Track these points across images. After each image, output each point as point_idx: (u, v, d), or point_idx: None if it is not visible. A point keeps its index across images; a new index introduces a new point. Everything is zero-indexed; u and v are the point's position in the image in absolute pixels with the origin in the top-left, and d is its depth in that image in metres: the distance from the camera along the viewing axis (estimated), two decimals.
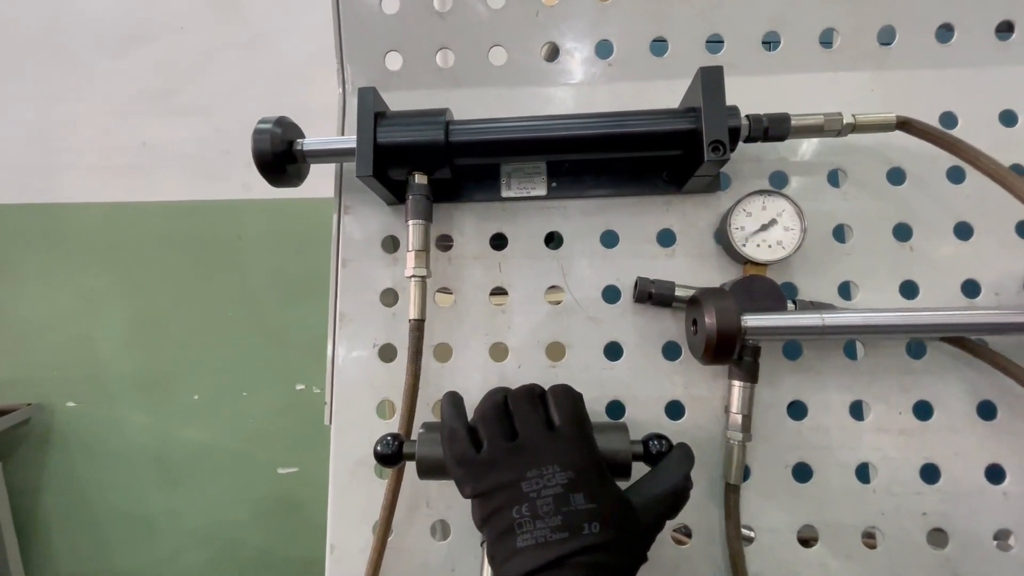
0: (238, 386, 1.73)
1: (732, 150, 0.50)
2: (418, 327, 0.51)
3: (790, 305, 0.52)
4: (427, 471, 0.43)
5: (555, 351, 0.56)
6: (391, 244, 0.59)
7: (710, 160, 0.47)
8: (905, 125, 0.50)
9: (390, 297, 0.58)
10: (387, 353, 0.57)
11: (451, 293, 0.58)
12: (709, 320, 0.46)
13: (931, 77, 0.57)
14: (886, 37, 0.57)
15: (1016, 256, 0.54)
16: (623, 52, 0.59)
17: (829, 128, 0.50)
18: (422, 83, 0.61)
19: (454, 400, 0.44)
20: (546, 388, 0.44)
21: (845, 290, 0.55)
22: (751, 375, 0.51)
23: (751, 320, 0.48)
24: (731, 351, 0.46)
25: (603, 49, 0.59)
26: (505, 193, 0.58)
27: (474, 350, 0.57)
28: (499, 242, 0.58)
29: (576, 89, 0.60)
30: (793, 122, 0.50)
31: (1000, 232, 0.54)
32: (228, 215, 1.71)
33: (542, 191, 0.57)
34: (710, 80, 0.48)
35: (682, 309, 0.55)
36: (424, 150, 0.51)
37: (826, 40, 0.58)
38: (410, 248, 0.52)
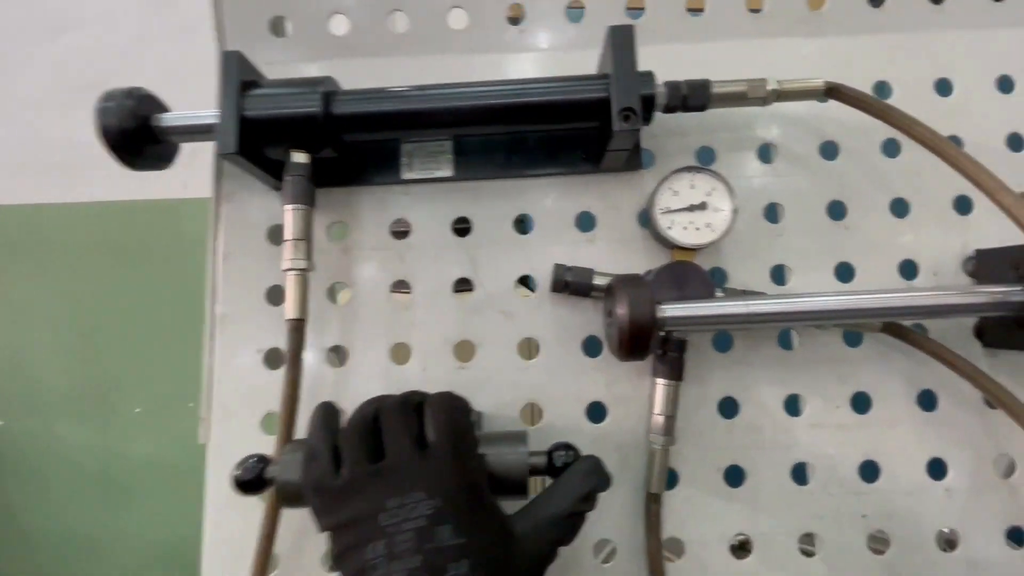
0: (183, 396, 1.62)
1: (648, 120, 0.45)
2: (297, 327, 0.44)
3: (719, 293, 0.47)
4: (289, 499, 0.36)
5: (464, 350, 0.50)
6: (278, 235, 0.52)
7: (621, 130, 0.42)
8: (834, 92, 0.45)
9: (277, 295, 0.51)
10: (274, 359, 0.50)
11: (348, 287, 0.51)
12: (621, 311, 0.41)
13: (865, 43, 0.53)
14: (817, 2, 0.53)
15: (954, 234, 0.50)
16: (536, 18, 0.53)
17: (753, 95, 0.45)
18: (311, 54, 0.54)
19: (325, 413, 0.38)
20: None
21: (779, 274, 0.51)
22: (675, 372, 0.46)
23: (669, 310, 0.42)
24: (646, 345, 0.41)
25: (514, 12, 0.53)
26: (406, 175, 0.51)
27: (373, 352, 0.50)
28: (401, 230, 0.52)
29: (492, 59, 0.54)
30: (714, 89, 0.45)
31: (937, 209, 0.51)
32: (166, 215, 1.60)
33: (448, 171, 0.51)
34: (619, 41, 0.43)
35: (602, 299, 0.49)
36: (299, 124, 0.44)
37: (754, 6, 0.53)
38: (287, 236, 0.45)
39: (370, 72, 0.53)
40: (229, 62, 0.44)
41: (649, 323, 0.40)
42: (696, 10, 0.53)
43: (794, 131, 0.52)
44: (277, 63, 0.54)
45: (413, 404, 0.36)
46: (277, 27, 0.54)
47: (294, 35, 0.54)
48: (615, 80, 0.42)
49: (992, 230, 0.50)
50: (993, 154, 0.50)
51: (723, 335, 0.50)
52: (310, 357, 0.50)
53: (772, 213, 0.51)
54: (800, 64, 0.53)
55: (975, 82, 0.52)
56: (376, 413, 0.35)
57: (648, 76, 0.44)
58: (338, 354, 0.51)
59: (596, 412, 0.49)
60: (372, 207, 0.52)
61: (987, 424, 0.48)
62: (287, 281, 0.45)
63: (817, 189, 0.51)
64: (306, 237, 0.45)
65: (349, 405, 0.50)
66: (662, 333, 0.45)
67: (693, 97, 0.45)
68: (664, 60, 0.48)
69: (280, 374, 0.49)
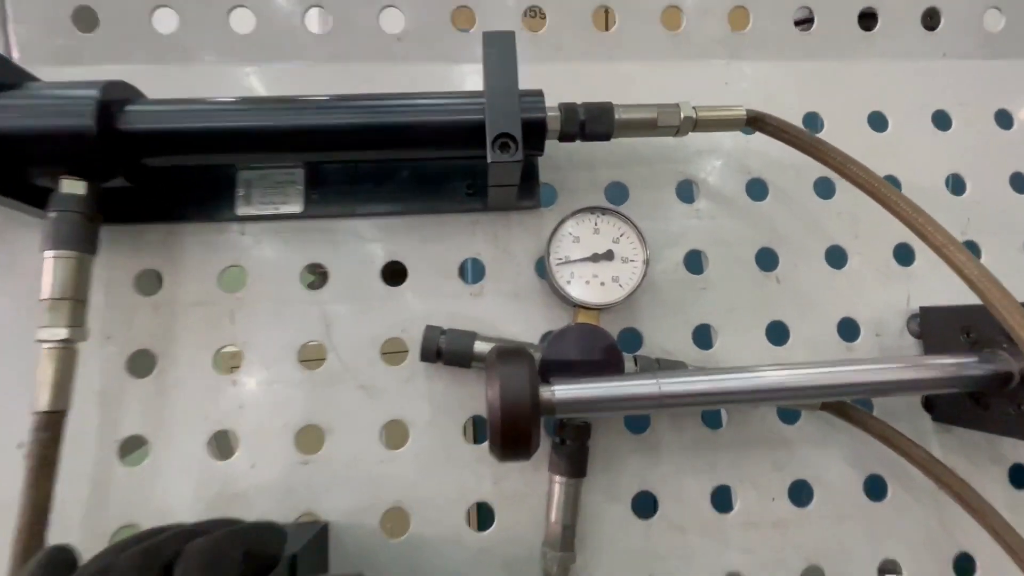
0: None
1: (538, 149, 0.36)
2: (48, 424, 0.32)
3: (629, 363, 0.38)
4: None
5: (309, 439, 0.39)
6: None
7: (496, 163, 0.32)
8: (757, 122, 0.38)
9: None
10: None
11: (156, 356, 0.39)
12: (491, 395, 0.31)
13: (791, 70, 0.47)
14: (740, 23, 0.47)
15: (896, 287, 0.44)
16: (416, 25, 0.44)
17: (664, 123, 0.37)
18: (130, 55, 0.42)
19: (48, 563, 0.25)
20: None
21: (703, 336, 0.42)
22: (575, 466, 0.36)
23: (560, 391, 0.33)
24: (527, 439, 0.31)
25: (391, 20, 0.44)
26: (243, 210, 0.40)
27: (186, 443, 0.38)
28: (234, 280, 0.40)
29: (353, 69, 0.44)
30: (619, 115, 0.37)
31: (877, 258, 0.44)
32: None
33: (297, 206, 0.40)
34: (497, 50, 0.34)
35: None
36: (62, 143, 0.32)
37: (671, 22, 0.46)
38: (43, 295, 0.32)
39: (206, 80, 0.42)
40: None
41: (527, 411, 0.30)
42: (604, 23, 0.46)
43: (719, 166, 0.44)
44: (85, 63, 0.42)
45: (159, 565, 0.24)
46: (84, 19, 0.42)
47: (104, 30, 0.42)
48: (489, 100, 0.33)
49: (936, 284, 0.44)
50: (933, 197, 0.44)
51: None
52: (91, 453, 0.37)
53: (695, 262, 0.43)
54: (725, 90, 0.46)
55: (911, 116, 0.47)
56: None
57: (535, 97, 0.35)
58: (137, 446, 0.38)
59: (481, 516, 0.39)
60: (196, 251, 0.40)
61: (944, 516, 0.40)
62: (40, 359, 0.32)
63: (744, 234, 0.43)
64: (74, 296, 0.33)
65: (146, 516, 0.37)
66: (557, 419, 0.35)
67: (593, 123, 0.36)
68: (569, 81, 0.40)
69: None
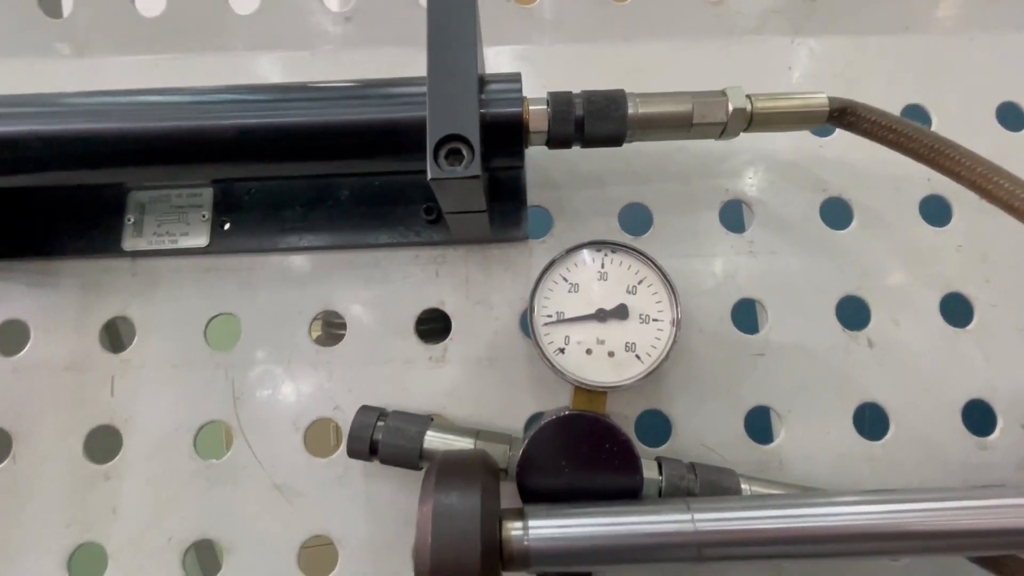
0: None
1: (513, 157, 0.25)
2: None
3: (649, 470, 0.25)
4: None
5: (204, 560, 0.28)
6: None
7: (439, 180, 0.21)
8: (845, 116, 0.26)
9: None
10: None
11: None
12: (420, 541, 0.19)
13: (883, 47, 0.34)
14: None
15: None
16: (369, 3, 0.34)
17: (705, 119, 0.25)
18: (18, 47, 0.34)
19: None
20: None
21: (760, 424, 0.29)
22: None
23: (539, 530, 0.21)
24: None
25: None
26: (131, 243, 0.30)
27: (38, 561, 0.28)
28: (120, 335, 0.31)
29: (279, 58, 0.34)
30: (635, 108, 0.25)
31: (1019, 310, 0.30)
32: None
33: (202, 239, 0.30)
34: (447, 13, 0.23)
35: None
36: None
37: None
38: None
39: (100, 75, 0.33)
40: None
41: (472, 567, 0.19)
42: None
43: (778, 180, 0.32)
44: (58, 53, 0.34)
45: None
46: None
47: (78, 13, 0.34)
48: (432, 88, 0.22)
49: None
50: None
51: None
52: None
53: (747, 317, 0.30)
54: (787, 76, 0.33)
55: None
56: None
57: (508, 82, 0.24)
58: None
59: None
60: (73, 295, 0.31)
61: None
62: None
63: (820, 277, 0.31)
64: None
65: None
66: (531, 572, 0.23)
67: (597, 120, 0.25)
68: (556, 66, 0.29)
69: None
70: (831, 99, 0.25)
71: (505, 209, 0.30)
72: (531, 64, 0.33)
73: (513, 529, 0.21)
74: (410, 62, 0.32)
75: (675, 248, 0.31)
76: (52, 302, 0.31)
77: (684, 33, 0.34)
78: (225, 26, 0.34)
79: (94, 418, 0.29)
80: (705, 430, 0.29)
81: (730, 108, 0.25)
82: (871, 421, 0.29)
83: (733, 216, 0.32)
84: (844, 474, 0.28)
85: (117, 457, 0.29)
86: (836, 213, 0.32)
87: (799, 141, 0.32)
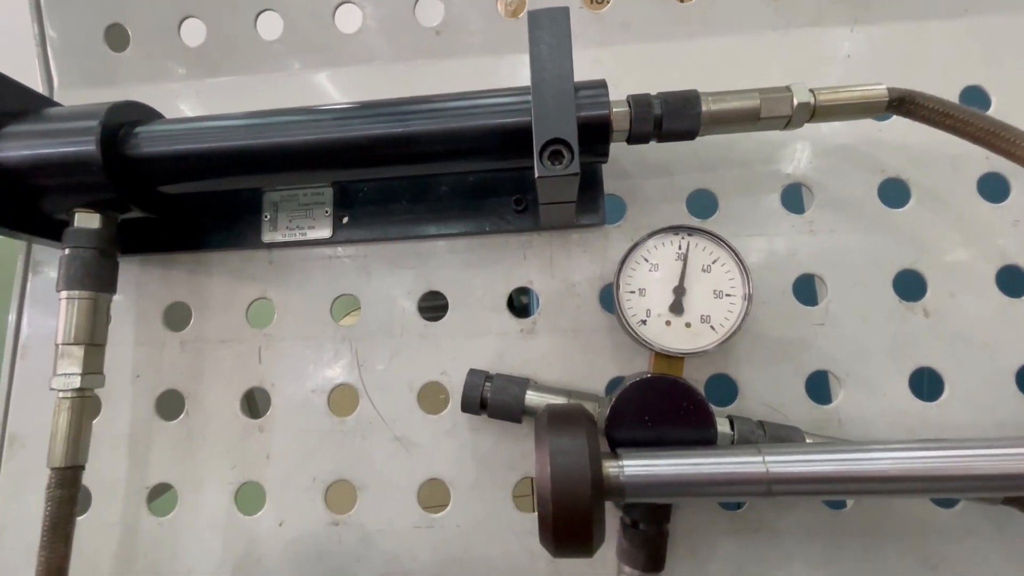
0: None
1: (600, 155, 0.29)
2: (65, 480, 0.29)
3: (722, 426, 0.29)
4: None
5: (341, 496, 0.34)
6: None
7: (545, 177, 0.25)
8: (904, 105, 0.28)
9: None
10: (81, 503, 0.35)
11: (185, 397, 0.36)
12: (540, 475, 0.24)
13: (941, 31, 0.35)
14: None
15: None
16: (457, 15, 0.38)
17: (771, 113, 0.28)
18: (160, 72, 0.40)
19: None
20: None
21: (820, 387, 0.33)
22: (649, 558, 0.28)
23: (631, 467, 0.25)
24: (585, 535, 0.24)
25: (428, 12, 0.38)
26: (269, 236, 0.36)
27: (213, 494, 0.35)
28: (262, 314, 0.37)
29: (382, 70, 0.38)
30: (707, 105, 0.28)
31: None
32: None
33: (325, 231, 0.36)
34: (547, 32, 0.27)
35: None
36: (69, 171, 0.29)
37: None
38: (58, 339, 0.30)
39: (238, 92, 0.39)
40: None
41: (586, 497, 0.24)
42: None
43: (838, 163, 0.34)
44: (118, 84, 0.40)
45: None
46: (115, 38, 0.40)
47: (135, 48, 0.40)
48: (536, 98, 0.26)
49: None
50: None
51: None
52: (120, 501, 0.35)
53: (807, 290, 0.33)
54: (846, 65, 0.36)
55: None
56: None
57: (596, 89, 0.28)
58: (163, 496, 0.35)
59: None
60: (223, 283, 0.37)
61: None
62: (54, 410, 0.30)
63: (878, 253, 0.33)
64: (89, 340, 0.30)
65: (173, 573, 0.34)
66: (623, 502, 0.28)
67: (673, 118, 0.28)
68: (639, 65, 0.32)
69: (86, 521, 0.34)
70: (890, 90, 0.28)
71: (584, 198, 0.34)
72: (602, 66, 0.36)
73: (610, 467, 0.26)
74: (493, 70, 0.37)
75: (740, 229, 0.34)
76: (206, 287, 0.37)
77: (742, 28, 0.36)
78: (333, 45, 0.39)
79: (247, 381, 0.36)
80: (768, 392, 0.32)
81: (795, 102, 0.28)
82: (924, 385, 0.32)
83: (793, 198, 0.35)
84: (900, 432, 0.31)
85: (268, 413, 0.35)
86: (894, 193, 0.34)
87: (858, 127, 0.34)
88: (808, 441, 0.29)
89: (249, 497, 0.35)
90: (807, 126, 0.30)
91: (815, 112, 0.28)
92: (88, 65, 0.40)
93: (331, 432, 0.35)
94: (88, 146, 0.29)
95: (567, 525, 0.24)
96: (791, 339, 0.33)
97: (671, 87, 0.29)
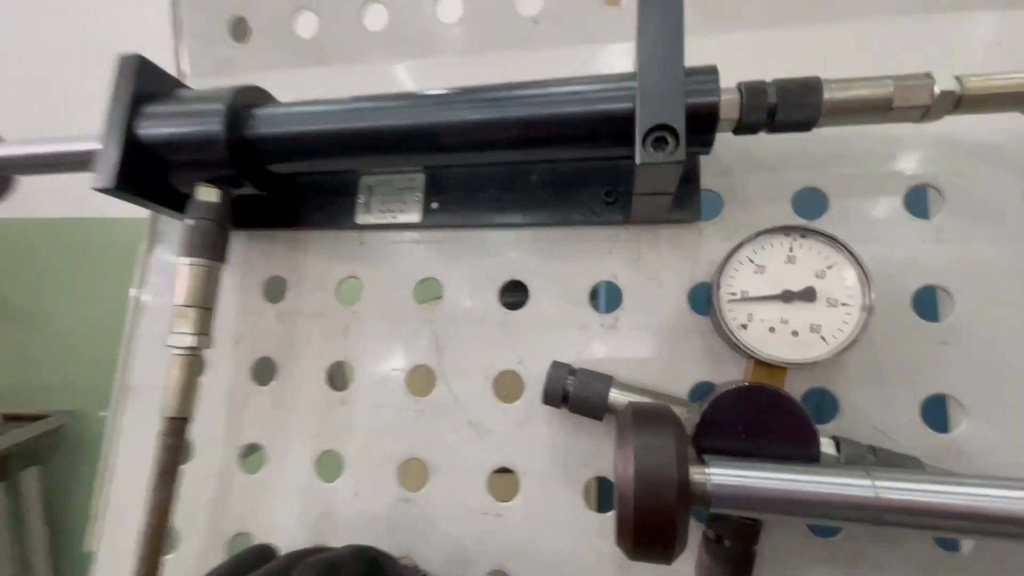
0: None
1: (705, 146, 0.27)
2: (174, 430, 0.32)
3: (826, 444, 0.27)
4: None
5: (413, 474, 0.35)
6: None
7: (647, 163, 0.24)
8: None
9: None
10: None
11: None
12: (623, 472, 0.23)
13: None
14: None
15: None
16: (556, 4, 0.37)
17: (907, 102, 0.25)
18: (277, 60, 0.43)
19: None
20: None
21: (937, 412, 0.29)
22: (733, 573, 0.27)
23: (719, 476, 0.24)
24: (667, 540, 0.23)
25: (525, 3, 0.38)
26: (362, 218, 0.38)
27: (296, 458, 0.37)
28: (351, 292, 0.38)
29: (481, 60, 0.39)
30: (830, 94, 0.26)
31: None
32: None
33: (415, 216, 0.37)
34: (656, 12, 0.26)
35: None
36: (193, 149, 0.32)
37: None
38: (175, 301, 0.33)
39: (344, 81, 0.41)
40: (124, 71, 0.33)
41: (671, 501, 0.22)
42: None
43: (975, 163, 0.31)
44: (239, 71, 0.43)
45: None
46: (238, 30, 0.44)
47: (255, 39, 0.43)
48: (642, 81, 0.25)
49: None
50: None
51: None
52: (218, 455, 0.38)
53: (929, 304, 0.30)
54: (996, 52, 0.32)
55: None
56: None
57: (707, 74, 0.26)
58: (253, 455, 0.38)
59: None
60: (317, 260, 0.39)
61: None
62: (168, 365, 0.32)
63: (1020, 267, 0.29)
64: (202, 304, 0.33)
65: (257, 527, 0.36)
66: (710, 512, 0.26)
67: (790, 108, 0.26)
68: (755, 52, 0.30)
69: (190, 468, 0.37)
70: None
71: (680, 192, 0.32)
72: (711, 56, 0.34)
73: (696, 473, 0.24)
74: (593, 59, 0.36)
75: (853, 232, 0.31)
76: (302, 263, 0.39)
77: (873, 10, 0.33)
78: (436, 34, 0.39)
79: (333, 355, 0.37)
80: (875, 414, 0.29)
81: (936, 91, 0.25)
82: None
83: (918, 202, 0.31)
84: None
85: (350, 387, 0.37)
86: None
87: (1003, 122, 0.30)
88: (928, 472, 0.26)
89: (329, 465, 0.36)
90: (945, 119, 0.26)
91: (961, 101, 0.25)
92: (215, 54, 0.44)
93: (407, 411, 0.35)
94: (215, 126, 0.31)
95: (648, 527, 0.23)
96: (907, 357, 0.29)
97: (787, 76, 0.27)
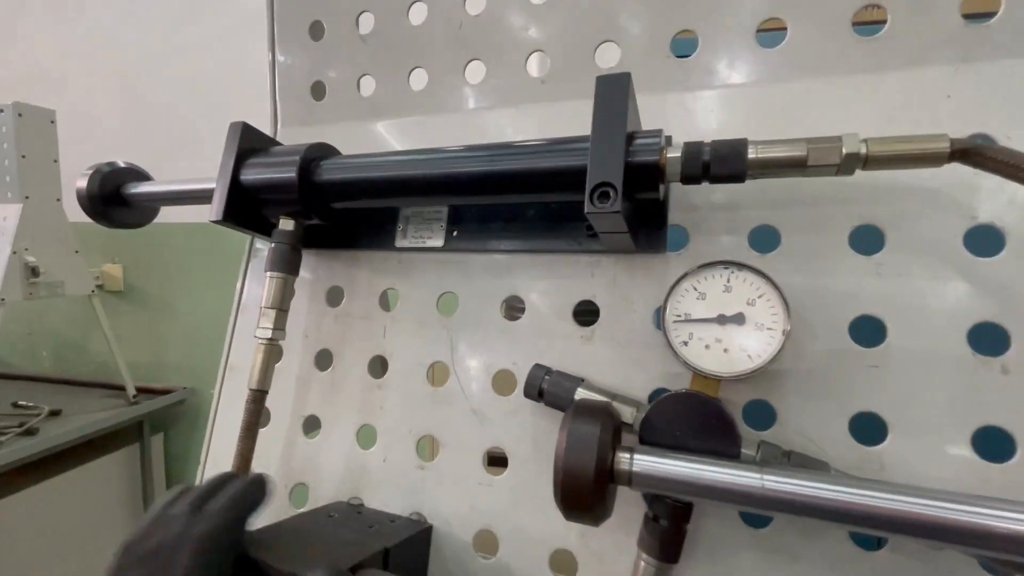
0: None
1: (651, 191, 0.34)
2: (256, 399, 0.43)
3: (750, 448, 0.32)
4: None
5: (427, 447, 0.44)
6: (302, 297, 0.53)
7: (592, 213, 0.31)
8: (968, 156, 0.28)
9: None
10: (312, 425, 0.50)
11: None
12: (558, 450, 0.30)
13: None
14: (983, 3, 0.34)
15: None
16: (560, 65, 0.45)
17: (819, 161, 0.30)
18: (344, 115, 0.54)
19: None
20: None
21: (867, 428, 0.33)
22: (665, 550, 0.32)
23: (641, 461, 0.30)
24: (589, 503, 0.30)
25: (536, 63, 0.46)
26: (400, 242, 0.47)
27: (342, 430, 0.47)
28: (390, 301, 0.48)
29: (498, 114, 0.47)
30: (755, 153, 0.31)
31: None
32: None
33: (438, 241, 0.46)
34: (606, 95, 0.33)
35: None
36: (276, 191, 0.43)
37: (863, 28, 0.37)
38: (263, 304, 0.44)
39: (390, 132, 0.51)
40: (232, 133, 0.45)
41: (589, 477, 0.29)
42: (771, 30, 0.39)
43: (921, 205, 0.34)
44: (316, 124, 0.55)
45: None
46: (317, 91, 0.55)
47: (329, 98, 0.55)
48: (593, 147, 0.32)
49: None
50: None
51: None
52: (287, 422, 0.49)
53: (866, 331, 0.34)
54: (945, 106, 0.35)
55: None
56: None
57: (650, 138, 0.33)
58: (311, 425, 0.49)
59: (564, 564, 0.38)
60: (366, 274, 0.49)
61: None
62: (255, 351, 0.44)
63: (955, 302, 0.32)
64: (279, 306, 0.44)
65: (311, 479, 0.47)
66: (632, 489, 0.32)
67: (720, 164, 0.32)
68: (725, 108, 0.36)
69: (266, 433, 0.48)
70: (953, 141, 0.28)
71: (650, 227, 0.39)
72: (682, 111, 0.40)
73: (622, 456, 0.31)
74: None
75: (800, 264, 0.35)
76: (355, 277, 0.49)
77: (835, 69, 0.37)
78: (461, 92, 0.48)
79: (373, 350, 0.47)
80: (808, 426, 0.34)
81: (843, 152, 0.29)
82: (991, 445, 0.30)
83: (864, 240, 0.35)
84: (951, 487, 0.30)
85: (385, 376, 0.46)
86: (984, 240, 0.32)
87: (943, 169, 0.33)
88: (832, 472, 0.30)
89: (366, 436, 0.46)
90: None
91: (867, 161, 0.29)
92: (299, 110, 0.56)
93: (427, 397, 0.44)
94: (290, 174, 0.42)
95: (572, 495, 0.30)
96: (840, 377, 0.33)
97: (761, 129, 0.33)
